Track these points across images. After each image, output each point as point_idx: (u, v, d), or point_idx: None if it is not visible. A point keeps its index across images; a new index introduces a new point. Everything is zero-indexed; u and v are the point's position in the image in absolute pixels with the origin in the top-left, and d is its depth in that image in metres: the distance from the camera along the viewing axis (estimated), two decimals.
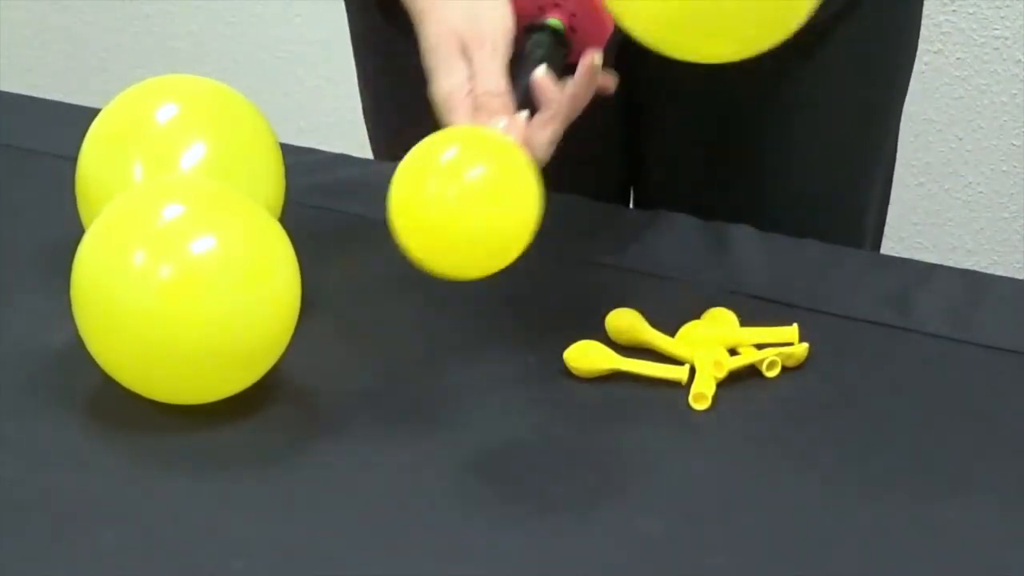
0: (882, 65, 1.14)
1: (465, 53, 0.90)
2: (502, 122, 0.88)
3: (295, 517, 0.79)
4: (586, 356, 0.90)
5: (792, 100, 1.11)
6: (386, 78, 1.18)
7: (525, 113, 0.89)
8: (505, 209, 0.83)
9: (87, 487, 0.82)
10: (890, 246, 1.24)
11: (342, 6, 1.19)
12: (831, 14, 1.07)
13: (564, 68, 0.92)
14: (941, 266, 1.02)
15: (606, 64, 0.94)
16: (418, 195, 0.83)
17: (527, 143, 0.88)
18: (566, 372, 0.90)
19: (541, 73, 0.90)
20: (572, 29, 0.92)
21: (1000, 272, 1.04)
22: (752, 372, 0.90)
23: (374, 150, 1.25)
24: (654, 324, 0.92)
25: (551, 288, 0.98)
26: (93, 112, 1.00)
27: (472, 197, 0.82)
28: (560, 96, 0.90)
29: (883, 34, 1.13)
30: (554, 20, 0.92)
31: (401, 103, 1.17)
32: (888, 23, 1.13)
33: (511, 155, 0.85)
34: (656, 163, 1.19)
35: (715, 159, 1.15)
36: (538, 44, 0.91)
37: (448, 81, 0.90)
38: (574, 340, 0.90)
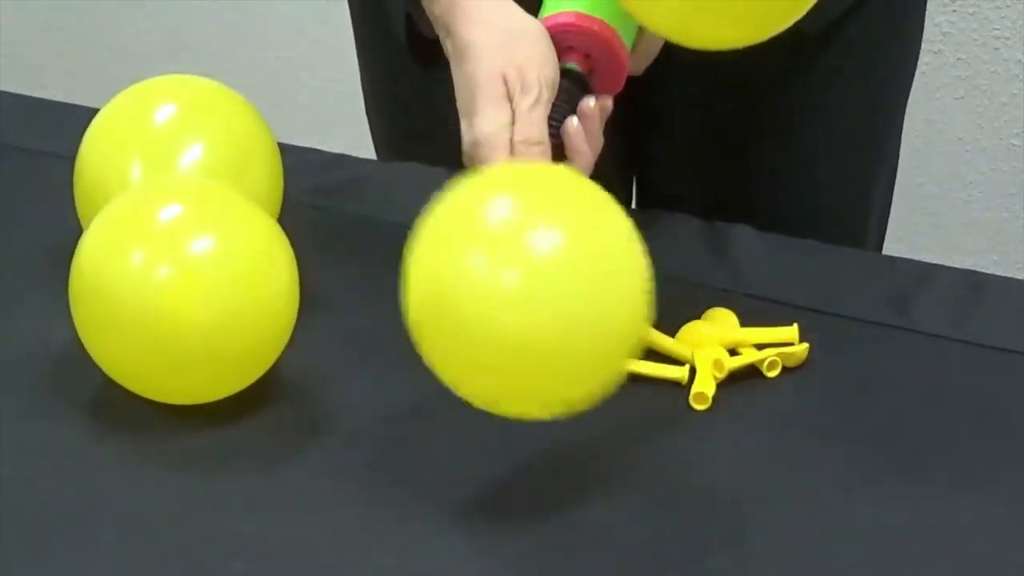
0: (885, 69, 1.14)
1: (508, 95, 0.88)
2: None
3: (295, 517, 0.79)
4: None
5: (795, 103, 1.11)
6: (389, 75, 1.18)
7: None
8: (609, 295, 0.72)
9: (87, 487, 0.82)
10: (890, 246, 1.24)
11: (343, 6, 1.19)
12: (834, 18, 1.07)
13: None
14: (941, 266, 1.02)
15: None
16: (459, 285, 0.72)
17: None
18: None
19: (575, 125, 0.89)
20: (590, 71, 0.91)
21: (1000, 272, 1.04)
22: (752, 372, 0.90)
23: (376, 147, 1.26)
24: (654, 324, 0.92)
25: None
26: (93, 112, 1.00)
27: (559, 279, 0.71)
28: (588, 148, 0.90)
29: (886, 38, 1.13)
30: (571, 64, 0.91)
31: (403, 99, 1.17)
32: (891, 27, 1.12)
33: (603, 204, 0.75)
34: (657, 163, 1.19)
35: (717, 160, 1.15)
36: (562, 90, 0.90)
37: (494, 121, 0.87)
38: None
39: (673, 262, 1.02)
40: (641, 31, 0.93)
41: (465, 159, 0.89)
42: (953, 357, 0.92)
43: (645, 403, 0.88)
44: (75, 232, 0.90)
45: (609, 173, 1.20)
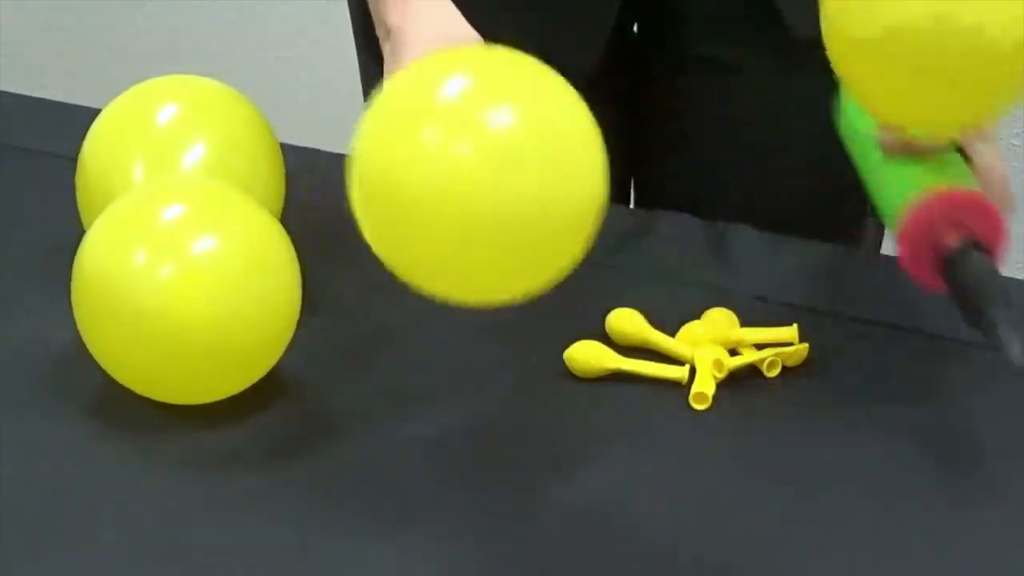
0: None
1: None
2: None
3: (295, 517, 0.79)
4: (586, 356, 0.90)
5: (789, 101, 1.11)
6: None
7: None
8: (561, 178, 0.69)
9: (87, 487, 0.82)
10: (891, 246, 1.24)
11: (343, 6, 1.19)
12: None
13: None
14: None
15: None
16: (408, 159, 0.68)
17: None
18: (566, 372, 0.90)
19: None
20: (973, 232, 0.83)
21: (1000, 272, 1.04)
22: (752, 372, 0.90)
23: None
24: (654, 324, 0.92)
25: (551, 288, 0.98)
26: (94, 112, 1.00)
27: (509, 157, 0.67)
28: None
29: None
30: (964, 240, 0.83)
31: None
32: None
33: (556, 84, 0.72)
34: (656, 163, 1.19)
35: (716, 160, 1.15)
36: (976, 260, 0.81)
37: None
38: (574, 340, 0.90)
39: (673, 262, 1.02)
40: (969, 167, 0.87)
41: None
42: (953, 357, 0.92)
43: (645, 403, 0.88)
44: (75, 232, 0.90)
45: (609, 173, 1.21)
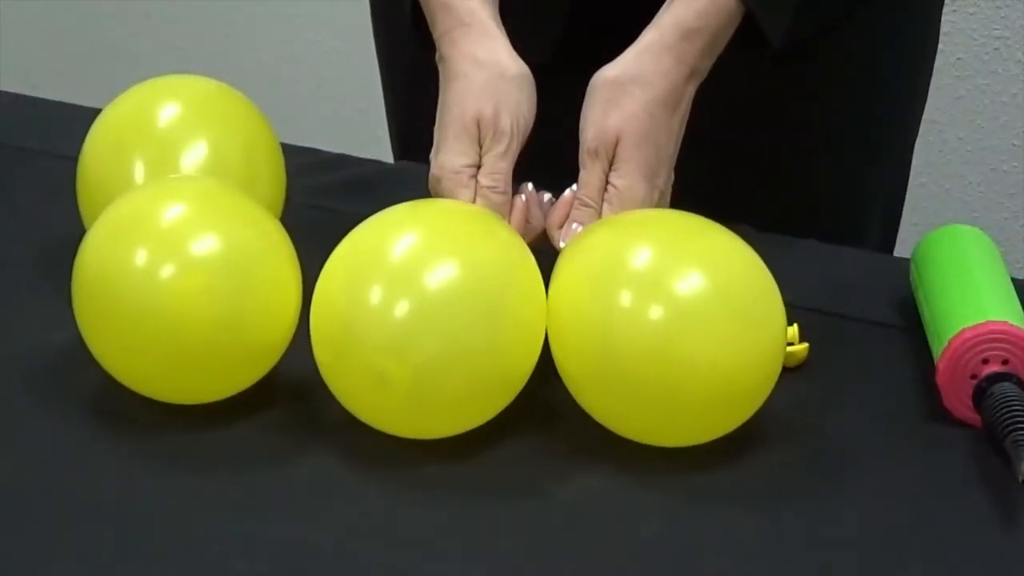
0: (879, 69, 1.14)
1: (479, 139, 0.91)
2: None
3: (295, 517, 0.79)
4: None
5: (787, 101, 1.11)
6: (411, 75, 1.18)
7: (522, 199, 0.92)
8: (498, 328, 0.81)
9: (87, 487, 0.82)
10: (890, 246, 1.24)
11: (343, 6, 1.19)
12: (824, 20, 1.08)
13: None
14: None
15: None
16: (358, 316, 0.80)
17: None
18: None
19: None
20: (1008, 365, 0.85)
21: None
22: None
23: (393, 147, 1.26)
24: None
25: None
26: (94, 112, 1.01)
27: (449, 309, 0.80)
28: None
29: (880, 40, 1.13)
30: (1003, 372, 0.84)
31: (415, 100, 1.17)
32: (885, 28, 1.13)
33: (511, 245, 0.83)
34: None
35: (715, 160, 1.15)
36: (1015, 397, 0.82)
37: (456, 161, 0.91)
38: None
39: None
40: None
41: (431, 184, 0.92)
42: None
43: None
44: (76, 232, 0.90)
45: None
